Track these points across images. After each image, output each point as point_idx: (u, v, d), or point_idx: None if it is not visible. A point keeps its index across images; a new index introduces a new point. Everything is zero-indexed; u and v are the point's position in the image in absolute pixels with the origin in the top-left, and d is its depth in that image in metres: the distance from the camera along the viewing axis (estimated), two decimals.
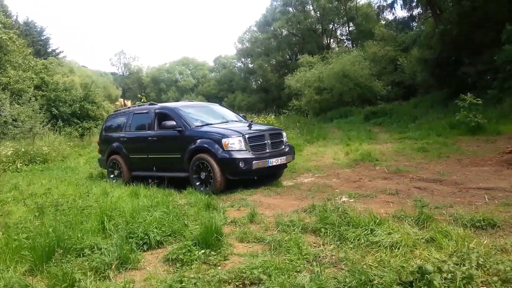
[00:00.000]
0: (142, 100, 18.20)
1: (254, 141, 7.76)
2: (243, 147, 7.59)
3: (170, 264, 3.98)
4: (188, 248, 4.11)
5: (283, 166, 8.52)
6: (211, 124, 8.62)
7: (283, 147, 8.38)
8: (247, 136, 7.70)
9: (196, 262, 3.88)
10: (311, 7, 43.20)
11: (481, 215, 4.36)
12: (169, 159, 8.55)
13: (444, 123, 14.93)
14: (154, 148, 8.88)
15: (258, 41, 47.09)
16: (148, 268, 3.92)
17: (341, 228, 4.37)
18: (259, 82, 50.29)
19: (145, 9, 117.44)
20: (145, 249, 4.44)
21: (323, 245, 4.15)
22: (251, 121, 8.71)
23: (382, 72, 28.07)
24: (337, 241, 4.17)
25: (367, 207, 5.29)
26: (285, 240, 4.25)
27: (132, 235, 4.56)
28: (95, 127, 23.21)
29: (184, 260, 3.92)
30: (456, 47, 18.86)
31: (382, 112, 22.94)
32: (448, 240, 3.70)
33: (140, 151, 9.28)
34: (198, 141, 7.86)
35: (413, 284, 2.90)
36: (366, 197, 6.29)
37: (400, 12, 59.92)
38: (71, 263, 3.92)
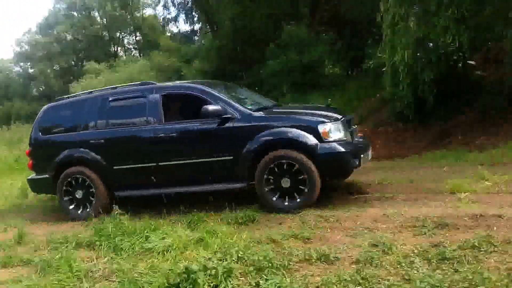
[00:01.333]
0: None
1: (348, 129, 5.60)
2: (343, 137, 5.26)
3: None
4: None
5: None
6: (267, 107, 6.12)
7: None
8: (345, 119, 5.53)
9: None
10: (97, 13, 41.48)
11: (243, 213, 4.89)
12: (207, 164, 5.59)
13: None
14: (171, 151, 5.81)
15: (39, 45, 42.32)
16: None
17: (116, 238, 4.31)
18: (41, 89, 45.18)
19: None
20: None
21: (96, 258, 4.03)
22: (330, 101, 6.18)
23: (167, 81, 28.90)
24: (111, 252, 4.11)
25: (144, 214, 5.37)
26: (56, 259, 3.96)
27: None
28: None
29: None
30: (231, 60, 20.85)
31: None
32: (215, 238, 4.04)
33: (137, 158, 6.01)
34: (266, 132, 5.26)
35: (180, 285, 3.04)
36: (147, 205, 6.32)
37: (184, 26, 62.59)
38: None
